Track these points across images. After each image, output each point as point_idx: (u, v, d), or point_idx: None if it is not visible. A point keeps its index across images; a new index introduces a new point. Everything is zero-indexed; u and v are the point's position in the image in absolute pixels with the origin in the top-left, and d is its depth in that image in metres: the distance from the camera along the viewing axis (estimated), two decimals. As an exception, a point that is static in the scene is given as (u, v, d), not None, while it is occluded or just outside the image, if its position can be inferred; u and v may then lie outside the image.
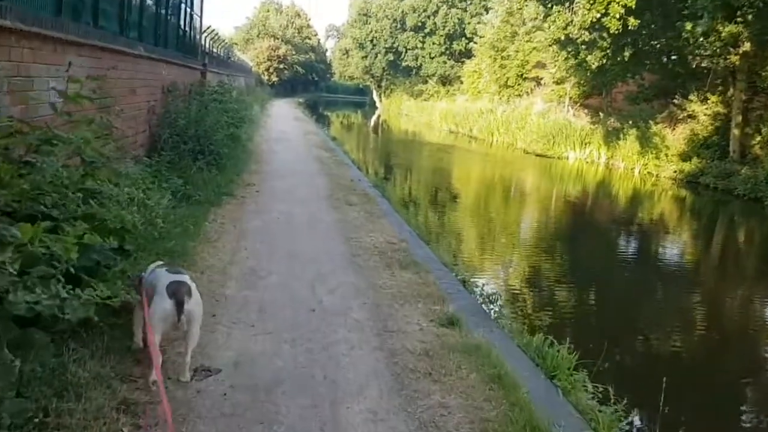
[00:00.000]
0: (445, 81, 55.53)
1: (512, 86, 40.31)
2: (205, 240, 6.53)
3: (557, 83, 33.45)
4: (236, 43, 69.43)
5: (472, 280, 7.10)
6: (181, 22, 12.96)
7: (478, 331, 4.68)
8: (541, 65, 38.58)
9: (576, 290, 8.65)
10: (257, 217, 8.09)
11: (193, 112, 9.67)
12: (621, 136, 23.44)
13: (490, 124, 35.08)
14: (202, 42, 16.11)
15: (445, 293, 5.58)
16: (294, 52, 67.66)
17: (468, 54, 52.20)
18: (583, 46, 18.42)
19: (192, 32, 14.28)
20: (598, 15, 15.49)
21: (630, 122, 22.96)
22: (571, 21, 17.26)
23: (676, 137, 21.42)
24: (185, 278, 3.49)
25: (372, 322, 4.75)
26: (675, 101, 21.87)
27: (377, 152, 26.79)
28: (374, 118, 55.68)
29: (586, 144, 25.77)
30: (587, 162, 25.06)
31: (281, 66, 64.28)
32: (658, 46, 19.24)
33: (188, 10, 13.65)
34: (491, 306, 6.47)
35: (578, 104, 32.30)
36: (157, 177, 7.30)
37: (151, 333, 3.24)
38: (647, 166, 21.45)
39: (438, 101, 52.51)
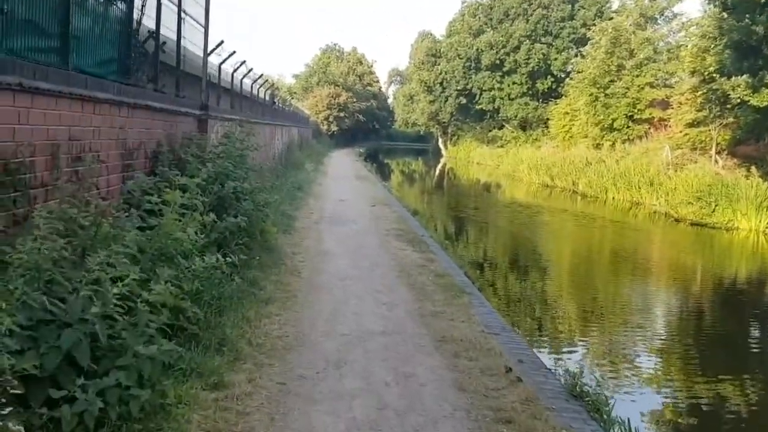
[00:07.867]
0: (526, 125, 48.46)
1: (619, 129, 32.89)
2: None
3: (692, 125, 25.75)
4: (295, 92, 65.11)
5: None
6: (137, 22, 6.57)
7: None
8: (658, 103, 31.16)
9: None
10: None
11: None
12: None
13: (602, 176, 27.49)
14: (209, 69, 9.72)
15: None
16: (355, 100, 62.48)
17: (553, 94, 45.22)
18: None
19: (179, 48, 7.87)
20: None
21: None
22: None
23: None
24: None
25: None
26: None
27: (486, 232, 19.23)
28: (440, 167, 49.01)
29: (764, 209, 18.15)
30: (770, 235, 17.37)
31: (341, 114, 59.19)
32: None
33: (171, 4, 7.26)
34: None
35: (726, 152, 24.53)
36: None
37: None
38: None
39: (517, 147, 45.36)
